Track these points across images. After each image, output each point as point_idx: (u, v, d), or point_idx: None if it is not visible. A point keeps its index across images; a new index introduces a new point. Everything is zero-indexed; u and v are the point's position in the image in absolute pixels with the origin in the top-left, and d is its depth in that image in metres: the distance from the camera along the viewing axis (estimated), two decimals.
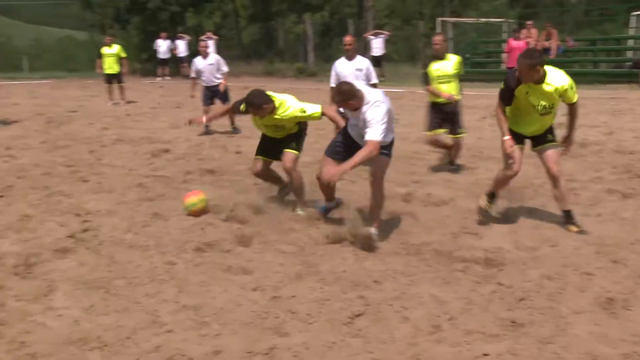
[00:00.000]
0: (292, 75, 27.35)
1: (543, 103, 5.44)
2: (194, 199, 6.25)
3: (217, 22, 29.99)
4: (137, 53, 33.15)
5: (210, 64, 11.79)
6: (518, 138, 5.66)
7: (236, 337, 3.71)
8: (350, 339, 3.70)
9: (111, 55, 17.24)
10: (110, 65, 17.24)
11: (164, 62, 27.30)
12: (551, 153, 5.68)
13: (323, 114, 6.19)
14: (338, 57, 9.01)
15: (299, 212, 6.20)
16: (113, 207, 6.56)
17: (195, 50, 27.93)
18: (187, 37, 27.22)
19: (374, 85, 8.02)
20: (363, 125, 5.30)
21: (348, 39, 8.55)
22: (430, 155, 9.53)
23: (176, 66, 27.97)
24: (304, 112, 6.12)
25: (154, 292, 4.36)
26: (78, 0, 33.19)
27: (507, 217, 6.02)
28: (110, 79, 17.36)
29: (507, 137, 5.62)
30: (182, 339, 3.68)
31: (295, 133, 6.38)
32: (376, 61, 23.70)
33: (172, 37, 27.37)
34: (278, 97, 6.15)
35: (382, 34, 24.04)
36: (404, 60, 28.63)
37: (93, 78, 27.54)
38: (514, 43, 18.90)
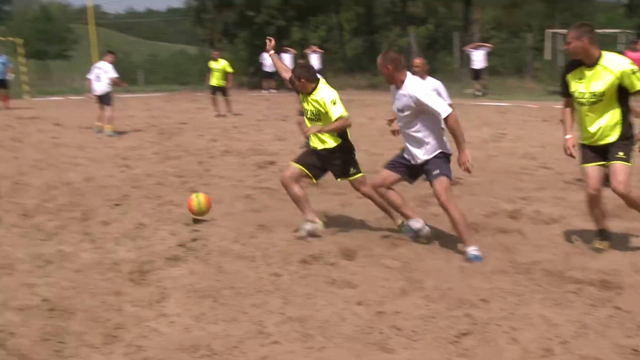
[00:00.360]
0: None
1: (592, 89, 5.00)
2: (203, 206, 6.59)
3: (322, 35, 30.37)
4: (244, 66, 34.09)
5: None
6: (592, 153, 5.24)
7: (341, 350, 3.71)
8: (457, 358, 3.62)
9: (218, 69, 18.05)
10: (217, 79, 18.08)
11: (269, 75, 27.90)
12: (616, 168, 5.10)
13: (346, 120, 5.96)
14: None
15: (405, 227, 6.12)
16: (221, 217, 6.74)
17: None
18: (293, 51, 27.72)
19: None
20: (412, 105, 5.39)
21: (417, 61, 8.53)
22: (538, 170, 9.25)
23: (281, 79, 28.49)
24: (333, 103, 5.95)
25: (260, 302, 4.43)
26: (190, 16, 34.52)
27: (624, 238, 5.72)
28: (215, 91, 18.17)
29: (568, 136, 5.31)
30: (287, 351, 3.71)
31: (346, 158, 6.17)
32: (476, 74, 23.32)
33: (278, 51, 27.95)
34: (323, 82, 6.16)
35: (483, 46, 23.58)
36: (510, 74, 27.93)
37: (203, 91, 28.46)
38: (631, 54, 18.01)
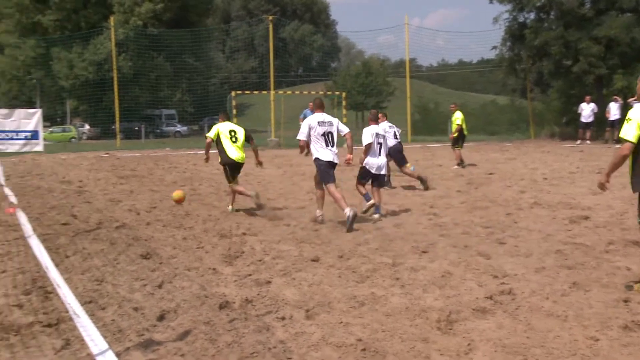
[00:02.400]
0: None
1: None
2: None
3: None
4: (557, 117, 32.93)
5: None
6: None
7: None
8: None
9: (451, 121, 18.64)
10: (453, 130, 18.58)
11: (586, 125, 26.55)
12: None
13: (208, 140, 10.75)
14: None
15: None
16: (530, 271, 6.49)
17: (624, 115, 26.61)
18: (620, 101, 25.98)
19: None
20: None
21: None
22: None
23: (599, 130, 26.97)
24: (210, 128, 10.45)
25: None
26: (503, 66, 34.38)
27: None
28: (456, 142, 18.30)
29: None
30: None
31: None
32: None
33: (596, 100, 26.66)
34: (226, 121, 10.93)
35: None
36: None
37: (511, 141, 28.11)
38: None
